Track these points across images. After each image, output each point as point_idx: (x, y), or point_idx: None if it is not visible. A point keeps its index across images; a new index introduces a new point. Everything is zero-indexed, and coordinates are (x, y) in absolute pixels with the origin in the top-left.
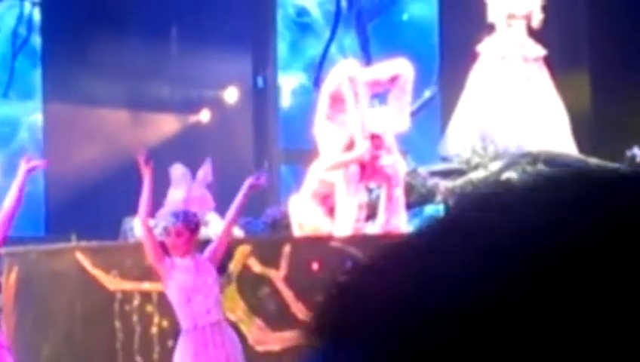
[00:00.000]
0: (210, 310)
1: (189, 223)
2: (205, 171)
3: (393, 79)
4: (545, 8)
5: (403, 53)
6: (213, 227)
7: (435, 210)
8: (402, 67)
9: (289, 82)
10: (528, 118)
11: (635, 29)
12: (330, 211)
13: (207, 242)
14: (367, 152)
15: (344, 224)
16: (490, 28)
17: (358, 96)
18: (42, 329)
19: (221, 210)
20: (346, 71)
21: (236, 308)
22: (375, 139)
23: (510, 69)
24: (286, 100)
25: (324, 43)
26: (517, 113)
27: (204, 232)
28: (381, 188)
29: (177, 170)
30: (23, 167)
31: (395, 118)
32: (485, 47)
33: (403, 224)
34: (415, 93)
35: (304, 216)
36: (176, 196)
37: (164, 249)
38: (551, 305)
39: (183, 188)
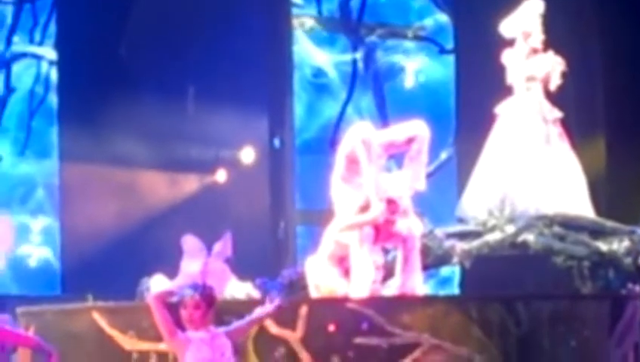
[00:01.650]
0: None
1: (207, 296)
2: (224, 244)
3: (409, 141)
4: (562, 70)
5: (419, 115)
6: (231, 290)
7: (451, 271)
8: (418, 128)
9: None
10: (547, 180)
11: None
12: (347, 273)
13: None
14: (382, 215)
15: (360, 285)
16: (507, 90)
17: (371, 158)
18: None
19: (238, 271)
20: (360, 133)
21: None
22: (391, 204)
23: (530, 131)
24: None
25: (340, 104)
26: (536, 175)
27: None
28: (397, 250)
29: (190, 241)
30: None
31: (411, 179)
32: (504, 108)
33: (419, 285)
34: (431, 154)
35: (320, 277)
36: (192, 268)
37: (176, 323)
38: None
39: (200, 260)
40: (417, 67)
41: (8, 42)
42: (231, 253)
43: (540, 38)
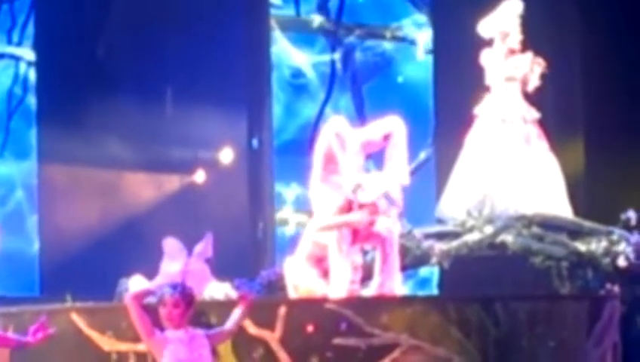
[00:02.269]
0: None
1: (187, 295)
2: (205, 245)
3: (386, 137)
4: (540, 70)
5: (398, 115)
6: (210, 291)
7: (430, 272)
8: (393, 124)
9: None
10: (526, 181)
11: (630, 92)
12: (325, 273)
13: None
14: (363, 220)
15: (338, 286)
16: (485, 90)
17: (345, 149)
18: None
19: (216, 272)
20: (333, 127)
21: None
22: (371, 206)
23: (509, 131)
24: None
25: (319, 104)
26: (515, 176)
27: None
28: (376, 250)
29: (171, 244)
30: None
31: (393, 174)
32: (483, 109)
33: (398, 286)
34: (410, 154)
35: (299, 277)
36: (171, 268)
37: (155, 323)
38: None
39: (180, 261)
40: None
41: None
42: (211, 254)
43: (519, 38)
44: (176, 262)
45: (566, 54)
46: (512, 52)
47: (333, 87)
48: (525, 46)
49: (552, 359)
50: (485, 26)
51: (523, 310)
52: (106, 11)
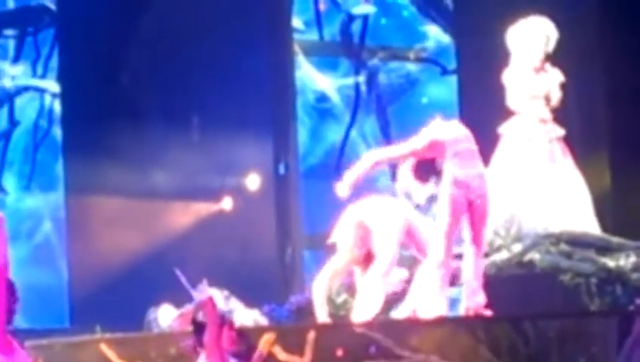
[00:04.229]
0: None
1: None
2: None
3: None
4: (563, 86)
5: None
6: (239, 317)
7: (458, 292)
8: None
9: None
10: (552, 198)
11: None
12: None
13: None
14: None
15: (367, 308)
16: (510, 109)
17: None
18: None
19: (245, 299)
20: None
21: None
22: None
23: (534, 150)
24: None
25: (344, 128)
26: (542, 194)
27: None
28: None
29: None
30: None
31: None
32: (508, 128)
33: (438, 308)
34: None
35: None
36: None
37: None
38: None
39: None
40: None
41: (11, 76)
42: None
43: (542, 56)
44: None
45: (589, 70)
46: (535, 70)
47: (358, 110)
48: (548, 62)
49: None
50: (510, 42)
51: (552, 328)
52: (130, 41)
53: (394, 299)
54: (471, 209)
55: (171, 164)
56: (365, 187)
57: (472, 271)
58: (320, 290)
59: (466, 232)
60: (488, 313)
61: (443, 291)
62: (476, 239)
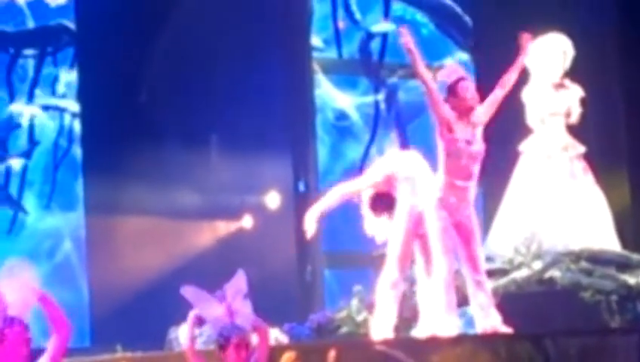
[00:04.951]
0: None
1: (248, 336)
2: (239, 282)
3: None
4: (583, 101)
5: None
6: None
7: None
8: None
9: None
10: (573, 215)
11: None
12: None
13: None
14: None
15: (384, 326)
16: (530, 126)
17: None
18: None
19: (265, 317)
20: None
21: None
22: None
23: (554, 167)
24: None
25: (364, 146)
26: (562, 211)
27: None
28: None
29: (190, 292)
30: None
31: None
32: (528, 145)
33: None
34: None
35: None
36: (215, 312)
37: None
38: None
39: (215, 304)
40: None
41: (31, 95)
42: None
43: (561, 73)
44: (211, 305)
45: (607, 86)
46: (554, 86)
47: (378, 128)
48: (567, 79)
49: None
50: (528, 60)
51: (573, 345)
52: (148, 60)
53: (413, 317)
54: (458, 229)
55: (191, 182)
56: None
57: (472, 291)
58: (334, 193)
59: (460, 252)
60: (508, 330)
61: (453, 310)
62: (470, 258)
